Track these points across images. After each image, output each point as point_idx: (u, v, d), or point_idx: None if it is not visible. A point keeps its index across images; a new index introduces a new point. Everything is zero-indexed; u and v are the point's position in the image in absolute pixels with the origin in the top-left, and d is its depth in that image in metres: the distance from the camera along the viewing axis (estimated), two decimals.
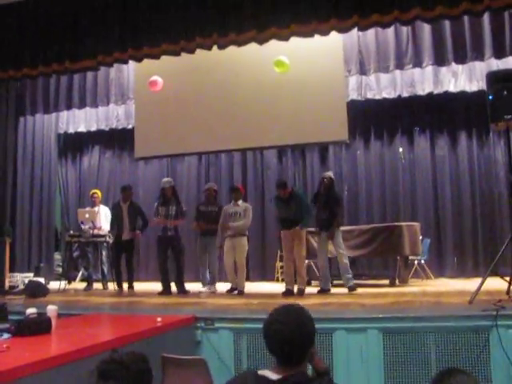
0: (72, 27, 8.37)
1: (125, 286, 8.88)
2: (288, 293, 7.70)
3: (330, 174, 8.33)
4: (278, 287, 8.56)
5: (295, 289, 7.77)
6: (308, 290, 8.04)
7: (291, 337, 2.27)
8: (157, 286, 8.64)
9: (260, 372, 2.32)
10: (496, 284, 6.24)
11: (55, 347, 3.90)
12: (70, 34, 8.36)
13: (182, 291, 8.29)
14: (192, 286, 8.68)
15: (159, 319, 4.82)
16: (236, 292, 8.14)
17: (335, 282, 8.43)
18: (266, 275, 10.69)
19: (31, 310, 4.23)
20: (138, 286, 8.99)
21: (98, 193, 10.14)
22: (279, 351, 2.30)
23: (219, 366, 5.20)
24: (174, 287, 8.40)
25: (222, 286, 8.59)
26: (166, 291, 8.31)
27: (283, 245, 8.04)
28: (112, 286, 9.17)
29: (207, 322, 5.44)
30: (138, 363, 2.21)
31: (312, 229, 8.47)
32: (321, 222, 8.01)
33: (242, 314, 5.73)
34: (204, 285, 8.57)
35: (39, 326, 4.05)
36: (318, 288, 8.03)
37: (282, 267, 10.30)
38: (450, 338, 4.82)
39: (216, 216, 8.47)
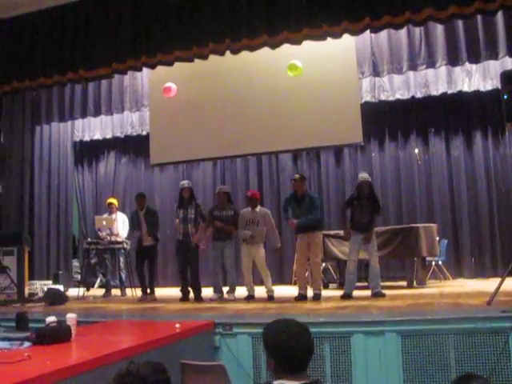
0: (85, 36, 8.45)
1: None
2: (301, 297, 7.63)
3: (366, 175, 7.98)
4: (296, 291, 8.53)
5: (310, 293, 7.70)
6: (326, 292, 8.02)
7: (300, 346, 2.44)
8: (175, 292, 8.69)
9: (275, 382, 2.37)
10: None
11: (75, 355, 3.93)
12: (83, 43, 8.44)
13: (199, 298, 8.29)
14: (209, 291, 8.69)
15: (178, 325, 4.83)
16: (267, 298, 8.00)
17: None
18: (283, 279, 10.68)
19: (51, 319, 4.26)
20: (156, 292, 9.01)
21: (115, 202, 10.18)
22: (288, 365, 2.42)
23: (238, 371, 5.20)
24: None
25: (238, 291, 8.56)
26: (185, 298, 8.36)
27: (297, 248, 7.99)
28: (130, 292, 9.22)
29: (226, 327, 5.44)
30: (156, 374, 2.18)
31: (330, 232, 8.46)
32: (360, 226, 7.72)
33: (260, 318, 5.74)
34: (215, 291, 8.36)
35: (59, 335, 4.09)
36: (337, 291, 7.96)
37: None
38: (469, 340, 4.78)
39: (232, 220, 8.31)
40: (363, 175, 7.93)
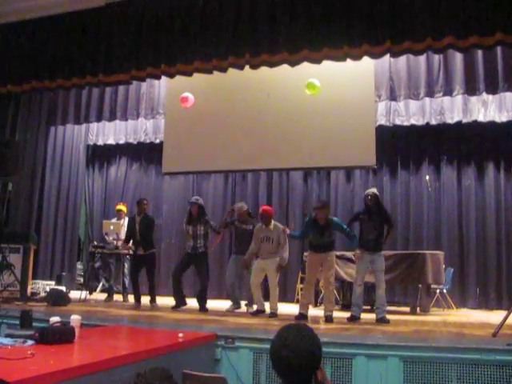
0: (107, 41, 8.52)
1: (147, 300, 8.89)
2: (301, 317, 7.40)
3: (374, 190, 7.75)
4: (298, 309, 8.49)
5: (311, 313, 7.55)
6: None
7: (299, 363, 2.30)
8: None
9: None
10: None
11: (78, 357, 3.91)
12: (104, 48, 8.51)
13: (204, 309, 8.25)
14: (215, 304, 8.67)
15: (181, 335, 4.82)
16: (268, 314, 7.75)
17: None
18: (287, 296, 10.63)
19: (55, 319, 4.25)
20: (159, 301, 8.97)
21: (124, 209, 10.20)
22: (285, 375, 2.34)
23: None
24: (195, 303, 8.43)
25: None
26: (181, 303, 8.37)
27: (308, 268, 7.71)
28: (132, 298, 9.18)
29: (228, 340, 5.42)
30: (164, 383, 2.21)
31: (336, 252, 8.39)
32: (367, 243, 7.42)
33: (262, 334, 5.71)
34: (234, 303, 8.40)
35: (63, 335, 4.07)
36: (340, 312, 7.81)
37: (302, 289, 10.26)
38: (472, 371, 4.73)
39: (250, 234, 8.22)
40: (370, 189, 7.81)
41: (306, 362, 2.30)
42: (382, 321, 7.15)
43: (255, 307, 8.07)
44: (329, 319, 7.31)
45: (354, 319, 7.26)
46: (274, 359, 2.36)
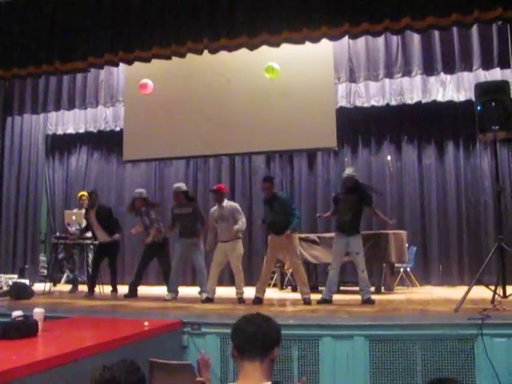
0: (63, 28, 8.32)
1: (109, 288, 8.83)
2: (257, 301, 7.35)
3: (351, 170, 7.63)
4: (266, 293, 8.49)
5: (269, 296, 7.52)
6: (295, 295, 7.99)
7: (262, 338, 2.42)
8: (142, 290, 8.66)
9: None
10: (481, 293, 6.30)
11: (42, 351, 3.87)
12: (60, 35, 8.29)
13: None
14: (180, 290, 8.63)
15: (146, 323, 4.79)
16: (237, 300, 7.63)
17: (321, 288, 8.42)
18: (253, 281, 10.61)
19: (18, 313, 4.20)
20: (123, 289, 8.88)
21: (87, 195, 10.09)
22: (246, 346, 2.43)
23: None
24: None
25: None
26: (133, 295, 8.39)
27: (269, 250, 7.66)
28: (98, 288, 9.08)
29: (194, 326, 5.42)
30: (130, 375, 2.21)
31: (301, 235, 8.43)
32: (343, 225, 7.41)
33: (228, 319, 5.71)
34: (170, 291, 8.09)
35: (26, 329, 4.02)
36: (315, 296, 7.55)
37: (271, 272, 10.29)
38: (435, 346, 4.85)
39: (191, 216, 8.08)
40: (347, 171, 7.64)
41: (267, 337, 2.43)
42: (367, 302, 7.08)
43: (204, 295, 7.79)
44: (307, 301, 7.22)
45: (325, 302, 7.17)
46: (237, 332, 2.48)
